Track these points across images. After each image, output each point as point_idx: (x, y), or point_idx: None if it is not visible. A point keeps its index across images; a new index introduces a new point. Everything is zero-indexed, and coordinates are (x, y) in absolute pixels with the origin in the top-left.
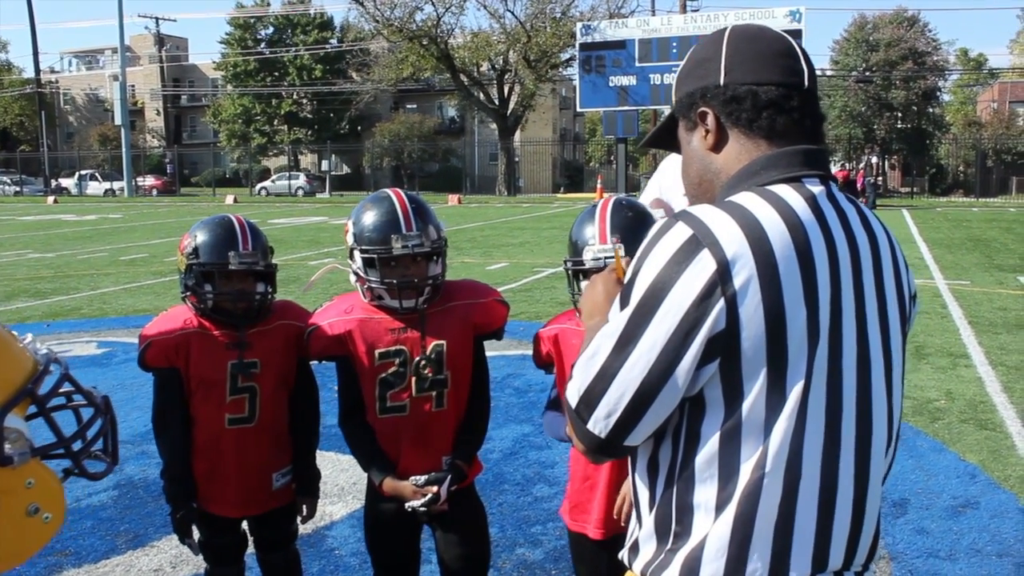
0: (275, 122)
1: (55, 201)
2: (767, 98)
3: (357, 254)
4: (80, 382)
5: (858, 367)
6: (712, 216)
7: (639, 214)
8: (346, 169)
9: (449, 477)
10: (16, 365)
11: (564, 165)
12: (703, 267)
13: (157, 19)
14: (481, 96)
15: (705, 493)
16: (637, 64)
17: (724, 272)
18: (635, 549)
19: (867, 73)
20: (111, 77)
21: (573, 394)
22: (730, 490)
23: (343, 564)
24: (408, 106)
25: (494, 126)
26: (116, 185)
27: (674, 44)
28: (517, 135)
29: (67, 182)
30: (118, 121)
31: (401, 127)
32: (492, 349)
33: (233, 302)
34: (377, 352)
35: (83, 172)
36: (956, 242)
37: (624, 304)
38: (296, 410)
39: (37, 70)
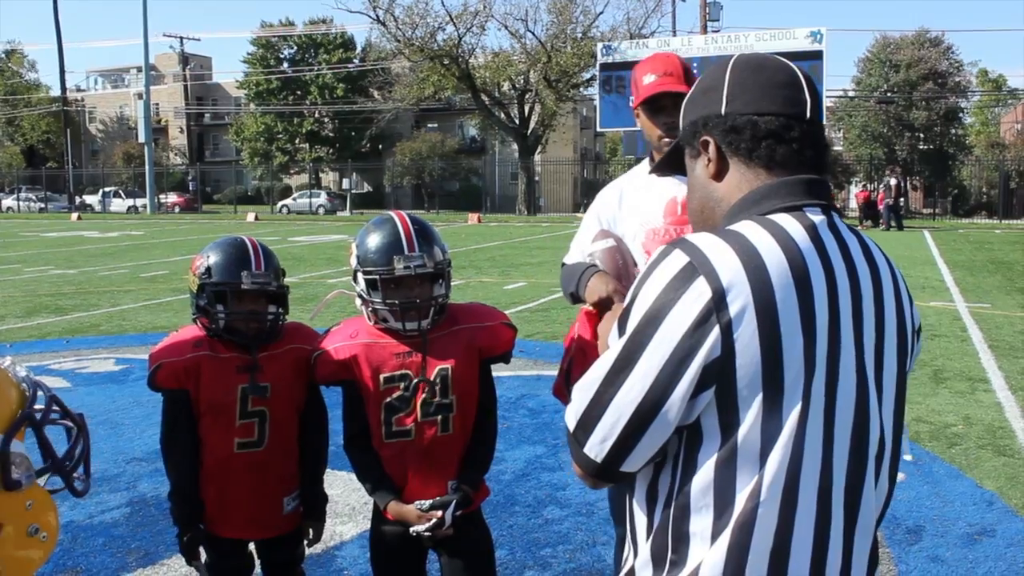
0: (297, 140)
1: (79, 218)
2: (766, 128)
3: (360, 276)
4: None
5: (857, 398)
6: (709, 244)
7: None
8: (367, 187)
9: (454, 502)
10: (12, 390)
11: (584, 184)
12: (698, 294)
13: (181, 38)
14: (502, 115)
15: (701, 522)
16: None
17: (719, 299)
18: None
19: (888, 93)
20: (136, 95)
21: (571, 418)
22: (725, 519)
23: None
24: (429, 125)
25: (514, 145)
26: (139, 202)
27: (695, 64)
28: (537, 154)
29: (91, 199)
30: (142, 139)
31: (422, 146)
32: (507, 369)
33: (245, 322)
34: (382, 377)
35: (107, 189)
36: (978, 264)
37: (621, 331)
38: (305, 434)
39: (63, 88)
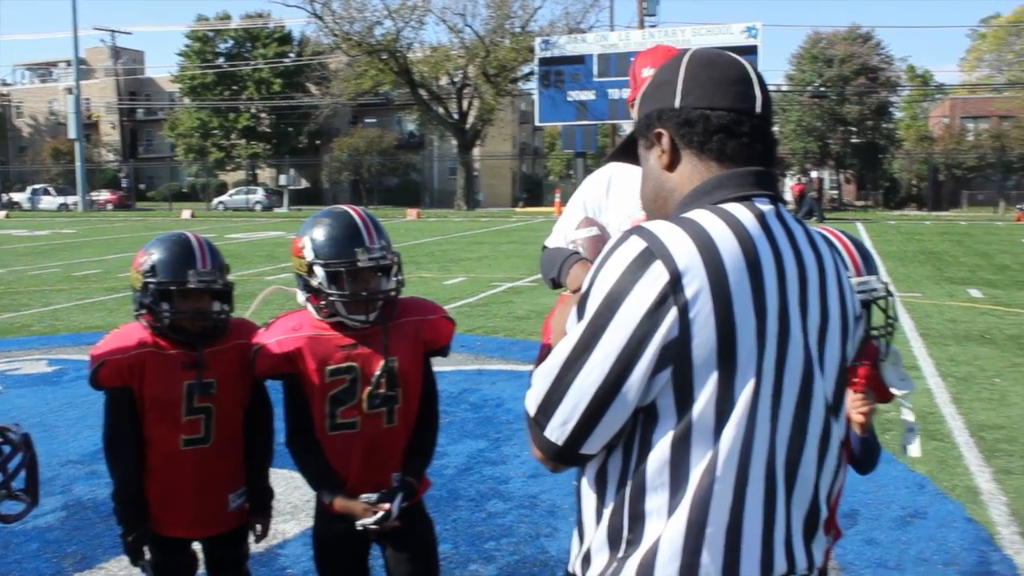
0: (233, 136)
1: (6, 216)
2: (718, 123)
3: (319, 268)
4: None
5: (803, 377)
6: (665, 230)
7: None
8: (304, 183)
9: (400, 494)
10: None
11: (523, 179)
12: (656, 278)
13: (113, 32)
14: (440, 110)
15: (657, 500)
16: (596, 79)
17: (676, 282)
18: (587, 560)
19: (821, 88)
20: (65, 90)
21: (532, 402)
22: (681, 496)
23: None
24: (367, 120)
25: (453, 140)
26: (70, 200)
27: (632, 59)
28: (476, 149)
29: (19, 196)
30: (72, 135)
31: (360, 141)
32: (448, 364)
33: (191, 321)
34: (328, 369)
35: (36, 186)
36: (908, 255)
37: (580, 315)
38: (250, 429)
39: None
